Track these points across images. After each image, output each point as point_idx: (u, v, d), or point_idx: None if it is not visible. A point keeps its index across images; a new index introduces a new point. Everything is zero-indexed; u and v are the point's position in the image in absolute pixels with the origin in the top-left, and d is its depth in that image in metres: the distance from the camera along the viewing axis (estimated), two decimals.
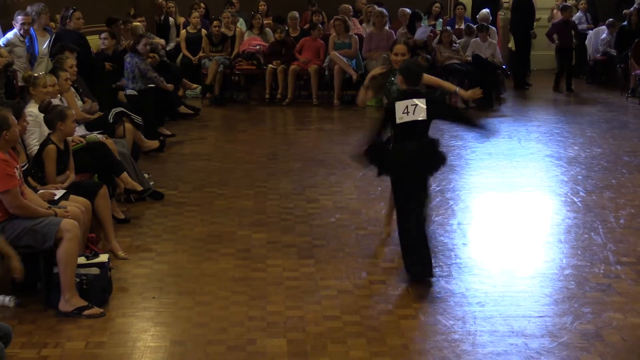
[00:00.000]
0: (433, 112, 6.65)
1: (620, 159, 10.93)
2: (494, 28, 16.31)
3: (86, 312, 6.15)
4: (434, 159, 6.86)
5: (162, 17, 16.18)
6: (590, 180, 9.91)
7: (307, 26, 16.08)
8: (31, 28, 10.80)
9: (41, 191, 6.90)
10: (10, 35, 10.67)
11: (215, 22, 15.41)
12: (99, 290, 6.37)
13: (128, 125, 9.76)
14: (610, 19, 16.84)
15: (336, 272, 7.07)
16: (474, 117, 6.99)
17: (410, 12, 15.99)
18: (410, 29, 15.42)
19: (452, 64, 14.82)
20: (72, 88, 9.24)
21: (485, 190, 9.66)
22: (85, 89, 10.16)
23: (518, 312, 6.26)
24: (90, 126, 9.33)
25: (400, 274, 6.93)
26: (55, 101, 8.16)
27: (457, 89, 7.89)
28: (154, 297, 6.56)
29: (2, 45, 10.51)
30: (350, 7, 16.85)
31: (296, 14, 16.04)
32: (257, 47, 15.25)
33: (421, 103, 6.52)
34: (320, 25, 15.47)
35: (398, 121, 6.52)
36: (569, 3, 17.67)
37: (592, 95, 16.22)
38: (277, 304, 6.42)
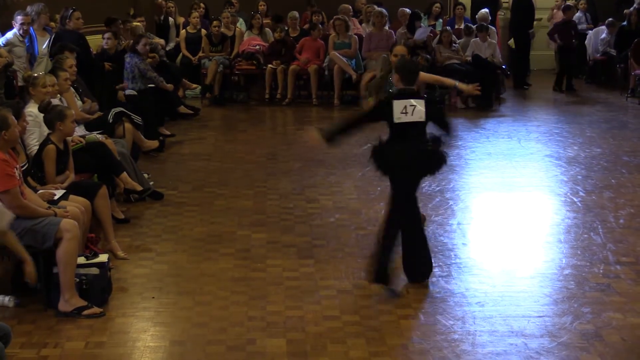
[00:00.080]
0: (431, 113, 6.64)
1: (619, 159, 10.93)
2: (493, 28, 16.32)
3: (86, 312, 6.15)
4: (435, 159, 6.86)
5: (162, 17, 16.18)
6: (590, 180, 9.91)
7: (306, 26, 16.08)
8: (31, 28, 10.80)
9: (41, 191, 6.90)
10: (9, 35, 10.67)
11: (215, 22, 15.41)
12: (98, 290, 6.37)
13: (128, 125, 9.76)
14: (610, 19, 16.84)
15: (336, 272, 7.07)
16: (452, 125, 6.90)
17: (410, 12, 15.99)
18: (410, 29, 15.42)
19: (451, 64, 14.81)
20: (71, 88, 9.24)
21: (485, 190, 9.66)
22: (84, 89, 10.16)
23: (518, 312, 6.26)
24: (89, 126, 9.34)
25: (400, 274, 6.93)
26: (55, 101, 8.16)
27: (457, 83, 7.89)
28: (153, 297, 6.56)
29: (1, 45, 10.51)
30: (350, 7, 16.85)
31: (296, 14, 16.04)
32: (257, 47, 15.25)
33: (420, 104, 6.51)
34: (320, 26, 15.47)
35: (396, 121, 6.49)
36: (569, 3, 17.67)
37: (592, 95, 16.22)
38: (276, 304, 6.42)
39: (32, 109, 7.80)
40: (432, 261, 6.93)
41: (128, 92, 12.01)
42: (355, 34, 15.35)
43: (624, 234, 8.07)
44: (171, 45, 15.98)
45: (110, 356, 5.64)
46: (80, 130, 8.85)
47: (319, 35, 15.24)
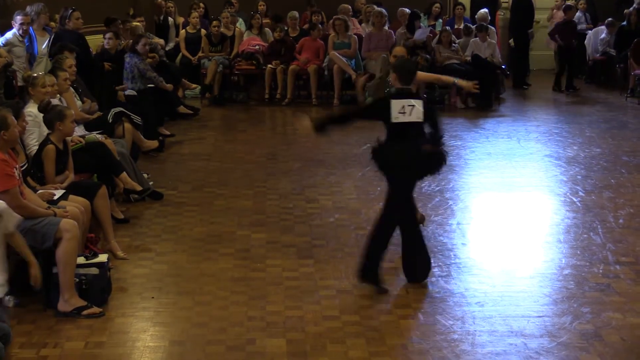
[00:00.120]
0: (428, 114, 6.64)
1: (619, 159, 10.93)
2: (493, 28, 16.32)
3: (85, 312, 6.15)
4: (435, 159, 6.86)
5: (162, 17, 16.18)
6: (590, 180, 9.91)
7: (306, 26, 16.08)
8: (30, 28, 10.80)
9: (40, 191, 6.90)
10: (9, 35, 10.67)
11: (214, 22, 15.41)
12: (98, 290, 6.37)
13: (127, 125, 9.76)
14: (610, 19, 16.84)
15: (335, 272, 7.07)
16: (441, 126, 6.89)
17: (410, 12, 15.99)
18: (410, 28, 15.42)
19: (451, 64, 14.81)
20: (71, 88, 9.24)
21: (485, 190, 9.66)
22: (84, 89, 10.16)
23: (517, 312, 6.26)
24: (89, 126, 9.34)
25: (399, 274, 6.93)
26: (55, 101, 8.16)
27: (455, 80, 7.87)
28: (153, 297, 6.56)
29: (1, 45, 10.50)
30: (350, 7, 16.85)
31: (296, 14, 16.04)
32: (257, 47, 15.26)
33: (418, 105, 6.50)
34: (319, 25, 15.47)
35: (394, 120, 6.48)
36: (569, 3, 17.66)
37: (591, 95, 16.22)
38: (276, 304, 6.42)
39: (31, 109, 7.80)
40: (432, 261, 6.93)
41: (128, 92, 12.01)
42: (354, 34, 15.35)
43: (623, 233, 8.07)
44: (171, 45, 15.98)
45: (109, 356, 5.64)
46: (79, 130, 8.85)
47: (319, 35, 15.24)
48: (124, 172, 8.41)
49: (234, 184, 9.80)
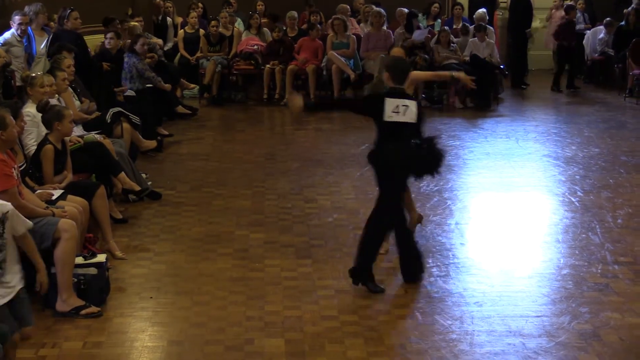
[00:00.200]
0: (421, 116, 6.65)
1: (617, 159, 10.94)
2: (491, 28, 16.31)
3: (83, 312, 6.15)
4: (433, 159, 6.86)
5: (160, 17, 16.17)
6: (588, 180, 9.92)
7: (304, 26, 16.08)
8: (29, 28, 10.79)
9: (39, 191, 6.90)
10: (7, 35, 10.65)
11: (213, 22, 15.40)
12: (96, 290, 6.37)
13: (126, 125, 9.76)
14: (608, 19, 16.83)
15: (334, 272, 7.07)
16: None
17: (408, 11, 15.99)
18: (408, 28, 15.41)
19: (449, 63, 14.79)
20: (69, 88, 9.24)
21: (483, 190, 9.67)
22: (82, 89, 10.15)
23: (516, 312, 6.26)
24: (88, 126, 9.33)
25: (397, 274, 6.93)
26: (53, 101, 8.15)
27: (453, 73, 7.85)
28: (151, 297, 6.56)
29: None
30: (348, 7, 16.84)
31: (295, 14, 16.04)
32: (255, 47, 15.25)
33: (412, 105, 6.50)
34: (318, 25, 15.47)
35: (386, 119, 6.47)
36: (570, 3, 17.67)
37: (590, 95, 16.23)
38: (274, 304, 6.42)
39: (30, 109, 7.80)
40: (430, 261, 6.93)
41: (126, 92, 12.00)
42: (353, 34, 15.35)
43: (622, 233, 8.07)
44: (169, 45, 15.97)
45: (108, 356, 5.64)
46: (78, 130, 8.84)
47: (317, 35, 15.24)
48: (123, 172, 8.41)
49: (233, 184, 9.80)
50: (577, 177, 10.08)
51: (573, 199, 9.16)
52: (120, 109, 9.93)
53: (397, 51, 7.69)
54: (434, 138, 6.98)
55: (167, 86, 12.66)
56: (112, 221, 7.92)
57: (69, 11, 11.57)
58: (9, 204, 5.03)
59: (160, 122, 12.26)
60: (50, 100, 8.00)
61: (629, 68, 15.54)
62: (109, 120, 9.60)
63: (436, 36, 15.30)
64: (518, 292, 6.64)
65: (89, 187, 7.47)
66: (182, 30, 15.91)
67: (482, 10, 16.42)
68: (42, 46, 11.02)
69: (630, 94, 15.38)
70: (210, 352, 5.67)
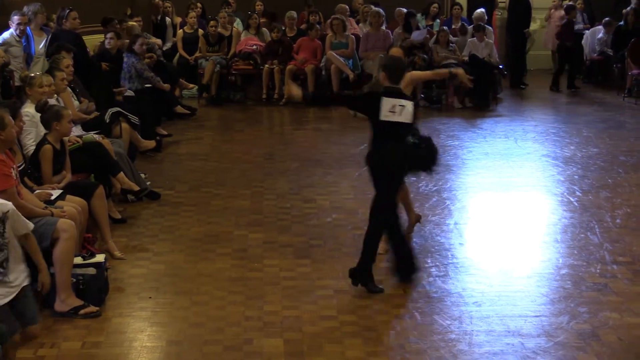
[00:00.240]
0: (415, 116, 6.66)
1: (616, 159, 10.94)
2: (490, 28, 16.31)
3: (82, 312, 6.16)
4: (430, 157, 6.86)
5: (159, 17, 16.16)
6: (587, 180, 9.92)
7: (303, 26, 16.08)
8: (28, 28, 10.78)
9: (38, 191, 6.90)
10: (6, 35, 10.65)
11: (212, 22, 15.39)
12: (95, 290, 6.37)
13: (125, 125, 9.75)
14: (607, 19, 16.82)
15: (332, 272, 7.07)
16: None
17: (406, 11, 15.98)
18: (406, 28, 15.40)
19: (448, 63, 14.77)
20: (68, 88, 9.23)
21: (482, 190, 9.67)
22: (81, 89, 10.15)
23: (514, 312, 6.27)
24: (86, 126, 9.33)
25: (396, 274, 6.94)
26: (52, 101, 8.15)
27: (451, 69, 7.83)
28: (150, 297, 6.56)
29: None
30: (347, 7, 16.84)
31: (294, 13, 16.03)
32: (254, 47, 15.25)
33: (408, 106, 6.51)
34: (317, 25, 15.47)
35: (382, 118, 6.47)
36: (566, 3, 17.66)
37: (589, 95, 16.22)
38: (273, 303, 6.42)
39: (28, 109, 7.79)
40: (420, 261, 6.91)
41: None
42: (352, 34, 15.35)
43: (620, 233, 8.08)
44: (168, 45, 15.96)
45: (107, 356, 5.64)
46: (77, 130, 8.84)
47: (317, 35, 15.24)
48: (122, 172, 8.41)
49: (231, 184, 9.80)
50: (576, 177, 10.08)
51: (572, 199, 9.17)
52: (119, 109, 9.92)
53: (395, 51, 7.70)
54: (430, 138, 7.01)
55: (166, 86, 12.65)
56: (111, 221, 7.92)
57: (67, 11, 11.56)
58: (10, 203, 5.03)
59: (159, 122, 12.25)
60: (49, 100, 8.00)
61: (628, 68, 15.54)
62: (107, 120, 9.59)
63: (435, 36, 15.30)
64: (517, 292, 6.65)
65: (88, 187, 7.47)
66: (181, 30, 15.90)
67: (481, 10, 16.41)
68: (40, 46, 11.02)
69: (629, 94, 15.38)
70: (209, 352, 5.67)
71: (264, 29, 15.88)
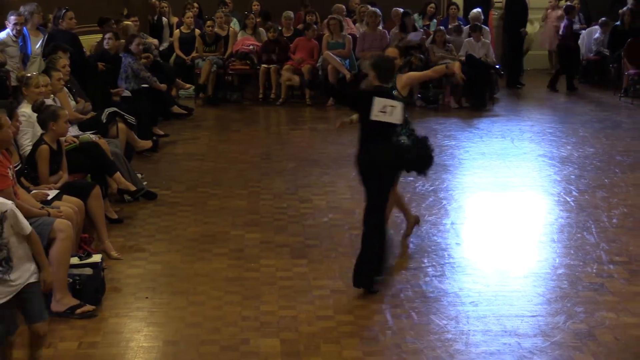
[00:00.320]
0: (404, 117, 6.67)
1: (613, 159, 10.95)
2: (487, 28, 16.32)
3: (79, 311, 6.16)
4: (424, 159, 6.87)
5: (156, 17, 16.15)
6: (583, 180, 9.93)
7: (300, 26, 16.07)
8: (24, 28, 10.78)
9: (34, 191, 6.90)
10: (2, 35, 10.64)
11: (208, 22, 15.38)
12: (92, 290, 6.37)
13: (121, 125, 9.75)
14: (603, 19, 16.84)
15: (329, 272, 7.08)
16: None
17: (402, 11, 15.99)
18: (402, 28, 15.41)
19: (445, 63, 14.78)
20: (65, 88, 9.22)
21: (479, 190, 9.67)
22: (78, 89, 10.14)
23: (511, 312, 6.27)
24: (83, 126, 9.32)
25: (393, 274, 6.94)
26: (49, 101, 8.15)
27: (447, 65, 7.81)
28: (147, 297, 6.56)
29: None
30: (344, 7, 16.84)
31: (291, 14, 16.02)
32: (251, 47, 15.24)
33: (399, 107, 6.51)
34: (314, 25, 15.47)
35: (373, 117, 6.47)
36: (563, 3, 17.68)
37: (585, 95, 16.23)
38: (270, 304, 6.42)
39: (25, 109, 7.79)
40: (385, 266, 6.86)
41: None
42: (349, 34, 15.34)
43: (617, 233, 8.08)
44: (165, 45, 15.95)
45: (103, 356, 5.64)
46: (73, 131, 8.83)
47: (313, 35, 15.23)
48: (118, 172, 8.40)
49: (228, 183, 9.80)
50: (573, 176, 10.09)
51: (568, 199, 9.17)
52: (115, 109, 9.92)
53: (391, 51, 7.70)
54: (426, 139, 7.02)
55: (163, 86, 12.65)
56: (108, 221, 7.91)
57: (64, 11, 11.54)
58: (10, 202, 5.02)
59: (156, 122, 12.24)
60: (45, 100, 7.99)
61: (624, 68, 15.55)
62: (104, 120, 9.58)
63: (432, 36, 15.31)
64: (513, 292, 6.65)
65: (85, 187, 7.46)
66: (178, 30, 15.90)
67: (477, 10, 16.42)
68: (37, 46, 11.01)
69: (626, 94, 15.39)
70: (205, 352, 5.67)
71: (261, 29, 15.87)
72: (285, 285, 6.77)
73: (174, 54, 15.53)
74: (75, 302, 6.18)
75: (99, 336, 5.90)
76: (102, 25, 13.17)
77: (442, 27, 15.57)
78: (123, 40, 12.59)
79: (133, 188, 8.58)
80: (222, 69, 15.17)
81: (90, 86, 11.27)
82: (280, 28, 15.64)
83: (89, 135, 8.76)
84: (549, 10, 18.00)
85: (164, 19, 16.32)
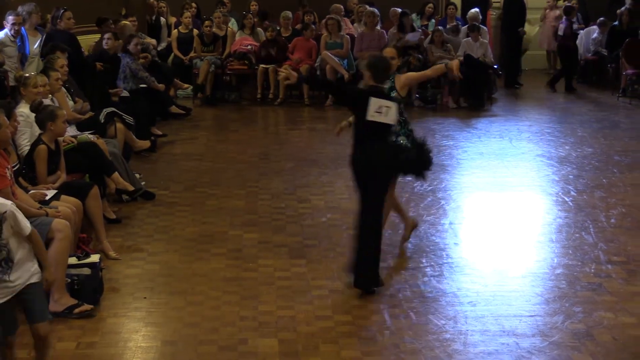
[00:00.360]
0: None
1: (611, 159, 10.96)
2: (485, 28, 16.33)
3: (77, 310, 6.15)
4: (420, 162, 6.88)
5: (154, 17, 16.15)
6: (582, 180, 9.93)
7: (298, 26, 16.08)
8: (22, 28, 10.77)
9: (32, 191, 6.89)
10: (0, 35, 10.64)
11: (206, 22, 15.39)
12: (90, 290, 6.37)
13: (119, 125, 9.74)
14: (602, 18, 16.85)
15: (327, 271, 7.08)
16: None
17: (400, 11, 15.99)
18: (400, 28, 15.41)
19: (443, 63, 14.79)
20: (63, 88, 9.22)
21: (477, 190, 9.67)
22: (76, 89, 10.13)
23: (509, 312, 6.27)
24: (81, 126, 9.32)
25: (392, 274, 6.94)
26: (47, 101, 8.14)
27: (445, 64, 7.81)
28: (145, 297, 6.56)
29: None
30: (342, 7, 16.85)
31: (289, 14, 16.03)
32: (249, 47, 15.24)
33: (394, 107, 6.51)
34: (312, 25, 15.47)
35: (369, 118, 6.46)
36: (562, 3, 17.69)
37: (584, 95, 16.24)
38: (268, 303, 6.42)
39: (23, 109, 7.78)
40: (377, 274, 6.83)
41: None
42: (347, 34, 15.35)
43: (615, 233, 8.09)
44: (163, 45, 15.95)
45: (101, 356, 5.64)
46: (71, 131, 8.83)
47: (312, 35, 15.24)
48: (116, 172, 8.40)
49: (226, 184, 9.79)
50: (571, 176, 10.09)
51: (566, 199, 9.18)
52: (113, 109, 9.92)
53: (389, 51, 7.70)
54: (425, 142, 7.02)
55: (161, 86, 12.64)
56: (106, 221, 7.91)
57: (62, 11, 11.53)
58: (9, 203, 5.02)
59: (154, 122, 12.23)
60: (43, 100, 7.99)
61: (622, 68, 15.57)
62: (102, 121, 9.59)
63: (430, 36, 15.31)
64: (512, 292, 6.65)
65: (83, 187, 7.46)
66: (176, 30, 15.91)
67: (475, 10, 16.42)
68: (35, 46, 11.00)
69: (624, 94, 15.41)
70: (203, 352, 5.66)
71: (259, 29, 15.88)
72: (284, 285, 6.77)
73: (172, 54, 15.54)
74: (73, 301, 6.18)
75: (97, 336, 5.90)
76: (100, 25, 13.16)
77: (440, 27, 15.57)
78: (120, 40, 12.58)
79: (131, 188, 8.58)
80: (220, 69, 15.18)
81: (89, 86, 11.26)
82: (278, 28, 15.65)
83: (87, 135, 8.76)
84: (547, 10, 18.01)
85: (162, 19, 16.32)
